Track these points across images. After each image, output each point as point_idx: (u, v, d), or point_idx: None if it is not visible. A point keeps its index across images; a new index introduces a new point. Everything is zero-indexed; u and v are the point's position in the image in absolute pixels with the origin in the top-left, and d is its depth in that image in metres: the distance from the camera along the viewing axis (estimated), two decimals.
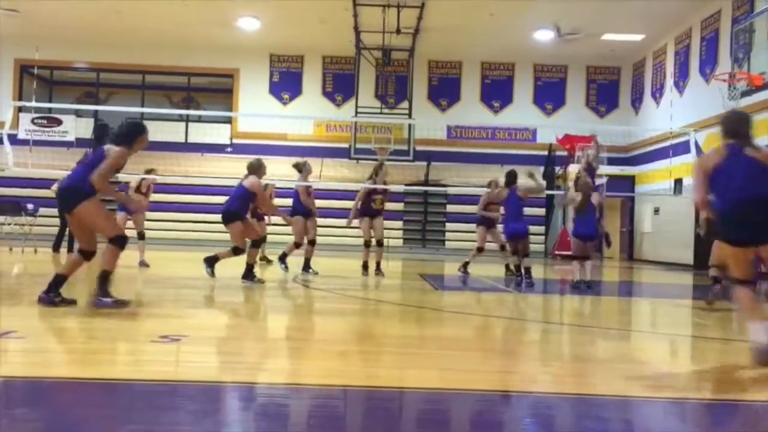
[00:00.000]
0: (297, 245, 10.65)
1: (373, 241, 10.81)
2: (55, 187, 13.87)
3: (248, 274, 8.68)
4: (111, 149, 6.13)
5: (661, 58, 20.27)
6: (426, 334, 5.83)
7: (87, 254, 6.18)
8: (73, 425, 2.97)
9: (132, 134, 6.37)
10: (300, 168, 11.14)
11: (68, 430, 2.92)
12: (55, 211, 14.37)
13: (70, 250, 13.99)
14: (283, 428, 3.09)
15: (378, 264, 10.90)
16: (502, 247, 11.99)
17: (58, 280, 6.10)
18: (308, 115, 21.71)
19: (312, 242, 10.82)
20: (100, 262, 6.28)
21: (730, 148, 4.69)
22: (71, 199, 6.02)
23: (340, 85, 22.65)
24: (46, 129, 21.08)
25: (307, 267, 10.70)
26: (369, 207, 10.94)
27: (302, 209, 10.69)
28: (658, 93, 20.44)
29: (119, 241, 6.14)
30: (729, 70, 15.85)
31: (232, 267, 9.18)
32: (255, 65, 22.63)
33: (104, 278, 6.14)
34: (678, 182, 17.62)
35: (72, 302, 6.08)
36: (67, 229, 14.07)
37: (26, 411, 3.18)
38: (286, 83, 22.77)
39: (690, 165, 14.20)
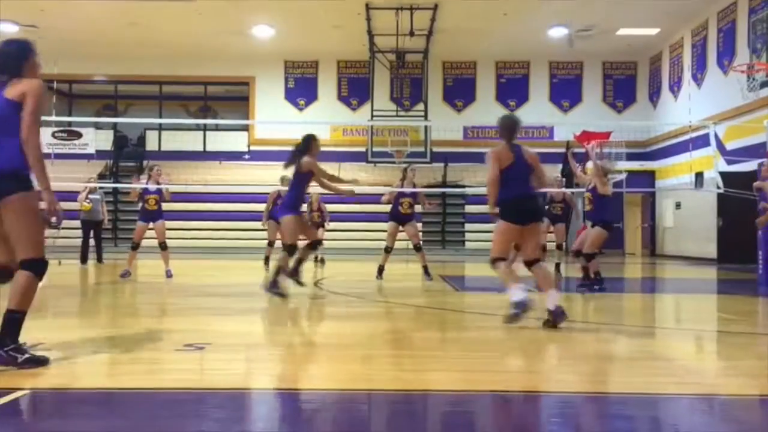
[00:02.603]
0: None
1: (409, 245, 10.75)
2: (81, 197, 14.05)
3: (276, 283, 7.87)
4: (25, 83, 4.17)
5: (678, 51, 20.08)
6: (448, 336, 5.82)
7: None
8: None
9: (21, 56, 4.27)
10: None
11: None
12: (76, 223, 14.56)
13: (99, 260, 14.16)
14: None
15: (425, 268, 10.80)
16: (559, 246, 12.02)
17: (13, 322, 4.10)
18: (324, 121, 21.79)
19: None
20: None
21: (516, 148, 6.00)
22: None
23: (355, 89, 22.70)
24: (67, 142, 21.34)
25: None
26: (397, 211, 10.91)
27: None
28: (676, 86, 20.25)
29: (38, 267, 4.16)
30: (747, 61, 15.68)
31: (255, 274, 9.22)
32: (270, 72, 22.75)
33: (12, 323, 4.09)
34: (699, 176, 17.42)
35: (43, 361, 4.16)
36: (91, 238, 14.23)
37: (55, 422, 3.23)
38: (301, 89, 22.87)
39: (711, 158, 14.07)
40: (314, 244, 8.23)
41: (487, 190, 6.01)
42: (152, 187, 10.85)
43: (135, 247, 10.77)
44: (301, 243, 8.07)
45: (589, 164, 9.89)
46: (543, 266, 6.06)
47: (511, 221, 5.88)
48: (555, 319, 5.71)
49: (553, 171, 18.67)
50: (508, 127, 6.14)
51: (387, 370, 4.36)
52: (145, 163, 21.95)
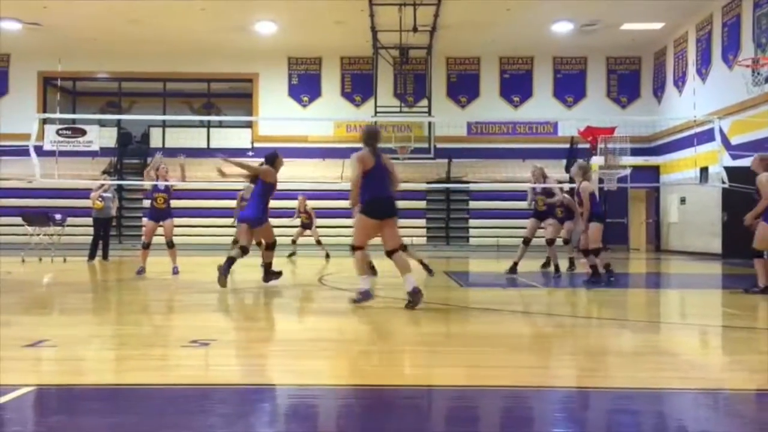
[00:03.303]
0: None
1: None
2: (94, 195, 14.12)
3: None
4: None
5: (682, 46, 20.02)
6: (452, 332, 5.82)
7: None
8: (107, 431, 3.02)
9: None
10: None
11: None
12: (82, 220, 14.63)
13: (105, 257, 14.21)
14: (313, 429, 3.11)
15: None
16: (566, 242, 12.01)
17: None
18: (328, 117, 21.79)
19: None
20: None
21: (377, 155, 6.82)
22: None
23: (358, 85, 22.69)
24: (71, 139, 21.37)
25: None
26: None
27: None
28: (680, 81, 20.20)
29: None
30: (752, 55, 15.62)
31: (260, 271, 9.24)
32: (273, 69, 22.76)
33: None
34: (704, 171, 17.38)
35: None
36: (101, 237, 14.29)
37: (62, 419, 3.24)
38: (305, 85, 22.87)
39: (716, 153, 14.03)
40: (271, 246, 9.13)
41: (350, 189, 6.86)
42: (161, 185, 10.86)
43: (146, 246, 10.77)
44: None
45: (594, 159, 9.91)
46: (400, 254, 6.91)
47: (370, 217, 6.79)
48: (413, 298, 6.56)
49: (556, 166, 18.65)
50: (371, 136, 6.94)
51: (390, 366, 4.36)
52: (149, 159, 22.02)
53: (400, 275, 6.84)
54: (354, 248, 6.92)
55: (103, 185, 14.54)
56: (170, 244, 10.83)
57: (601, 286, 8.99)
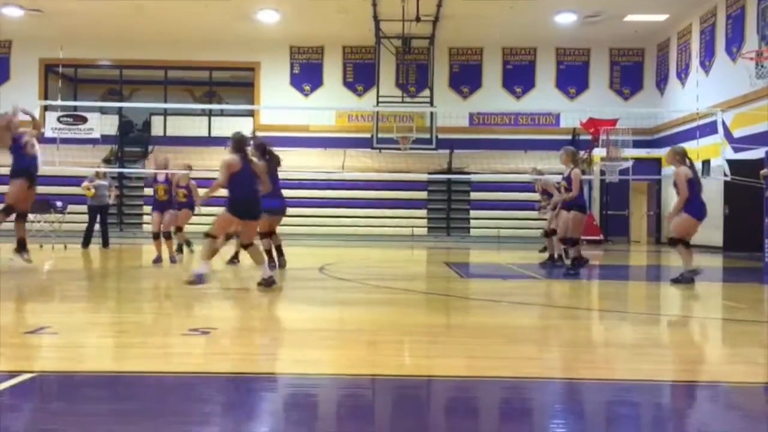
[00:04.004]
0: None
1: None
2: (86, 183, 14.10)
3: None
4: None
5: (686, 38, 19.94)
6: (453, 323, 5.83)
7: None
8: (106, 418, 3.02)
9: None
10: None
11: (102, 423, 2.97)
12: (83, 207, 14.62)
13: (105, 245, 14.22)
14: (313, 418, 3.11)
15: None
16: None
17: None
18: (330, 106, 21.73)
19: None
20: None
21: (242, 159, 7.44)
22: None
23: (360, 75, 22.62)
24: (72, 127, 21.34)
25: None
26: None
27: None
28: (683, 73, 20.12)
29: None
30: (756, 48, 15.55)
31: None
32: (275, 58, 22.68)
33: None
34: (706, 163, 17.35)
35: None
36: (96, 224, 14.30)
37: (62, 405, 3.24)
38: (306, 75, 22.79)
39: (718, 146, 14.00)
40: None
41: (211, 187, 7.54)
42: (161, 177, 10.82)
43: (156, 236, 10.75)
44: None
45: (596, 151, 9.92)
46: (255, 247, 7.57)
47: (234, 215, 7.40)
48: (265, 283, 7.23)
49: (558, 158, 18.58)
50: (239, 142, 7.58)
51: (391, 356, 4.37)
52: (150, 148, 21.99)
53: (255, 266, 7.55)
54: (208, 235, 7.39)
55: (97, 173, 14.49)
56: (167, 236, 10.74)
57: (580, 277, 8.92)
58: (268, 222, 9.50)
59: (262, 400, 3.43)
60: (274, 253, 9.89)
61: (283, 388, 3.61)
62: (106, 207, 14.59)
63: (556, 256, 11.16)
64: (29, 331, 4.73)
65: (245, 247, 7.64)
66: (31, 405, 3.29)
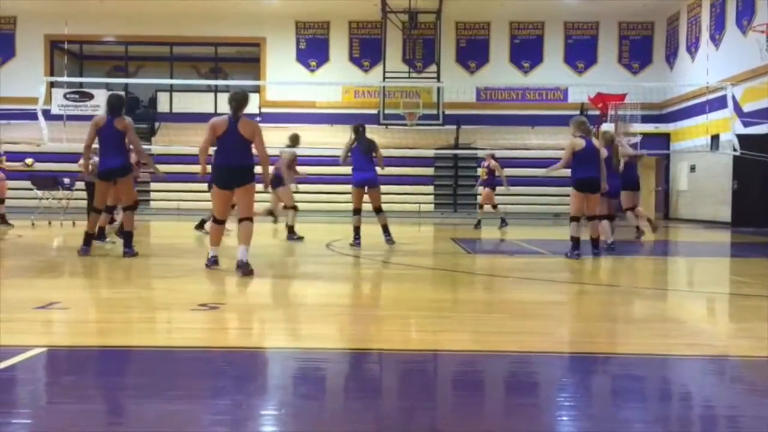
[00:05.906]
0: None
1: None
2: (82, 161, 14.08)
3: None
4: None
5: (696, 11, 19.68)
6: (459, 298, 5.84)
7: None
8: (117, 392, 3.06)
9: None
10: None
11: (112, 397, 3.00)
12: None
13: (110, 221, 14.24)
14: (321, 392, 3.14)
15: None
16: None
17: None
18: (336, 82, 21.62)
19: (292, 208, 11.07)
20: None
21: (230, 120, 6.57)
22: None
23: (367, 50, 22.47)
24: (79, 103, 21.33)
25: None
26: None
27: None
28: (693, 47, 19.90)
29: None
30: (767, 20, 15.35)
31: (265, 235, 9.26)
32: (281, 33, 22.54)
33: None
34: (715, 138, 17.23)
35: None
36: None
37: (72, 379, 3.28)
38: (312, 50, 22.66)
39: (728, 120, 13.88)
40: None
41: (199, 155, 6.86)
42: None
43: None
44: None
45: (604, 126, 9.74)
46: (247, 223, 6.72)
47: (217, 185, 6.75)
48: (240, 267, 6.49)
49: (566, 133, 18.49)
50: (238, 100, 6.64)
51: (398, 331, 4.39)
52: (156, 125, 21.98)
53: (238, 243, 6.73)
54: (214, 219, 7.05)
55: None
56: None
57: (575, 257, 8.45)
58: (357, 196, 9.96)
59: (270, 375, 3.46)
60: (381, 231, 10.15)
61: (292, 362, 3.64)
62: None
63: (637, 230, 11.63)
64: (40, 306, 4.77)
65: (240, 220, 6.83)
66: (42, 379, 3.33)
